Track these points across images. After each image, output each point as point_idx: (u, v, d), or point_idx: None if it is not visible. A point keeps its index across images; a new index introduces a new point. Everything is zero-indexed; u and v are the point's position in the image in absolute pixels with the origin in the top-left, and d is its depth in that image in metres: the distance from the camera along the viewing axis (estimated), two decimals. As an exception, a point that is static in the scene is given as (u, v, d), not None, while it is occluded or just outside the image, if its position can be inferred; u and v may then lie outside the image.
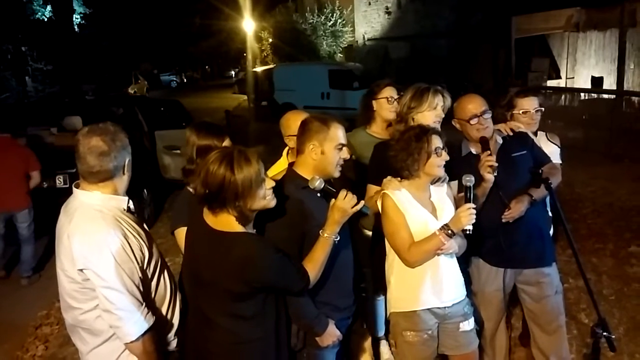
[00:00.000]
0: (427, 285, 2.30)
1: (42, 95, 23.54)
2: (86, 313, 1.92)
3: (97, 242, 1.81)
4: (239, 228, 1.84)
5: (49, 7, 25.60)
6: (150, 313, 1.89)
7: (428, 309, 2.33)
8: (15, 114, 7.12)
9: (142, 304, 1.86)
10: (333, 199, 2.04)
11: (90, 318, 1.92)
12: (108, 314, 1.84)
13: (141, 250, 1.91)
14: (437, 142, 2.26)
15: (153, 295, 1.99)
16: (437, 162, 2.26)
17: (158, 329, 1.98)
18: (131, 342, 1.85)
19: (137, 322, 1.84)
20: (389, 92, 3.07)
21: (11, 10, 21.35)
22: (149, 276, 1.96)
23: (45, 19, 25.82)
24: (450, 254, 2.29)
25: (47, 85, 25.12)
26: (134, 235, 1.91)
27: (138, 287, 1.86)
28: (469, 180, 2.26)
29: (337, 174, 2.20)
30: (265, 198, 1.87)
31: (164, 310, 2.06)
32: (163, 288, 2.05)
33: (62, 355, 3.87)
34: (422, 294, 2.31)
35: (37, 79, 25.06)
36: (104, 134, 1.87)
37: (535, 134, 3.01)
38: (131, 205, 2.00)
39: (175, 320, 2.11)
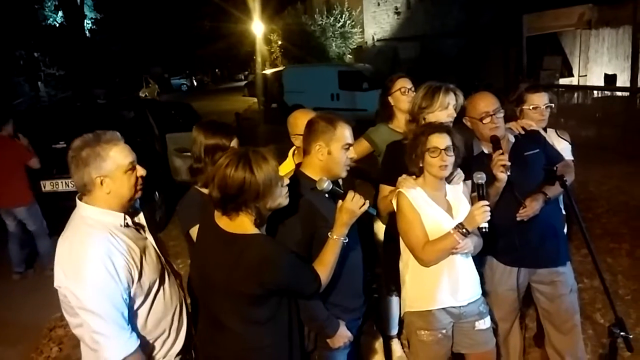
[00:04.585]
0: (444, 285, 2.28)
1: (55, 100, 23.81)
2: (76, 328, 1.83)
3: (77, 262, 1.70)
4: (253, 230, 1.81)
5: (60, 13, 25.99)
6: (133, 337, 1.76)
7: (443, 308, 2.30)
8: (28, 117, 7.22)
9: (124, 328, 1.73)
10: (340, 201, 2.02)
11: (79, 333, 1.84)
12: (88, 335, 1.75)
13: (130, 272, 1.76)
14: (435, 141, 2.21)
15: (146, 314, 1.89)
16: (433, 162, 2.22)
17: (150, 350, 1.91)
18: None
19: (116, 348, 1.71)
20: (402, 83, 3.06)
21: (23, 16, 21.64)
22: (143, 296, 1.85)
23: (57, 25, 26.15)
24: (466, 253, 2.26)
25: (59, 90, 25.41)
26: (124, 255, 1.77)
27: (121, 311, 1.73)
28: (480, 177, 2.23)
29: (344, 174, 2.18)
30: (282, 196, 1.86)
31: (162, 327, 1.95)
32: (162, 305, 1.94)
33: (76, 357, 3.86)
34: (438, 293, 2.28)
35: (50, 84, 25.36)
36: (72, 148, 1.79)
37: (545, 130, 2.97)
38: (129, 221, 1.88)
39: (182, 333, 2.05)
